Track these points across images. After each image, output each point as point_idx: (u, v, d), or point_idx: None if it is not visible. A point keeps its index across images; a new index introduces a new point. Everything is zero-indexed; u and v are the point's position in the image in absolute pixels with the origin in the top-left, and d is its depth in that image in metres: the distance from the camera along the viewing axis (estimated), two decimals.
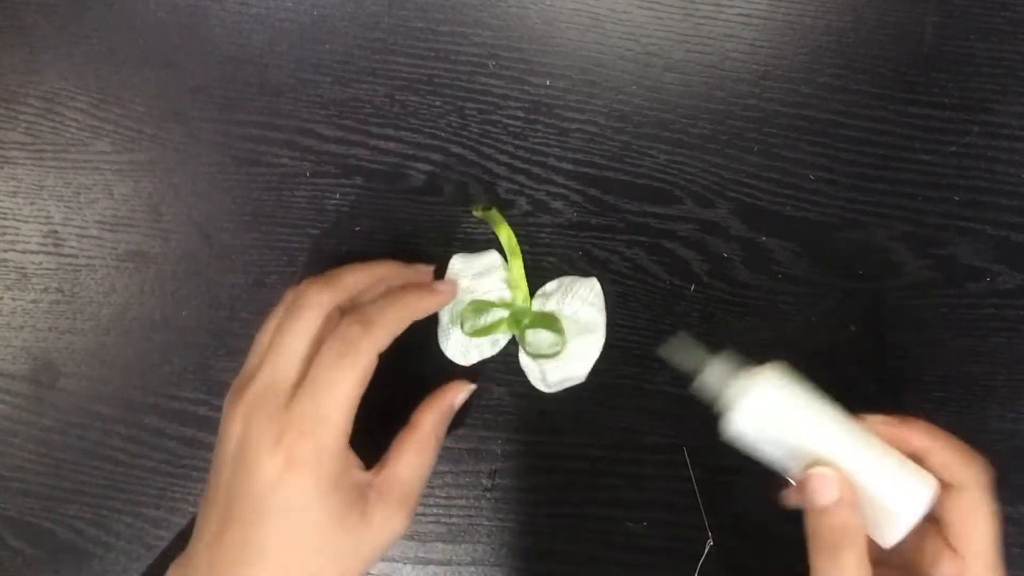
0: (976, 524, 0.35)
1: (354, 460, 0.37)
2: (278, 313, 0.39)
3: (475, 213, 0.44)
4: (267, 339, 0.38)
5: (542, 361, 0.43)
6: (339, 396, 0.36)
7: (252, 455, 0.35)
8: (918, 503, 0.33)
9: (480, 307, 0.43)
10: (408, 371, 0.45)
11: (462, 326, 0.43)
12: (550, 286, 0.44)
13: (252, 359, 0.39)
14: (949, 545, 0.35)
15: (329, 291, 0.38)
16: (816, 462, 0.34)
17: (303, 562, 0.35)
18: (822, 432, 0.35)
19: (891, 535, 0.34)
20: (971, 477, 0.35)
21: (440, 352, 0.44)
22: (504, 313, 0.43)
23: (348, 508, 0.35)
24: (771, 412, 0.35)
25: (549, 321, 0.43)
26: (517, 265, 0.43)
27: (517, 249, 0.44)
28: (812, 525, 0.35)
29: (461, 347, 0.43)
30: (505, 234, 0.44)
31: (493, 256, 0.44)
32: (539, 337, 0.44)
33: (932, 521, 0.36)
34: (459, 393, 0.41)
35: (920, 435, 0.36)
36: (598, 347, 0.44)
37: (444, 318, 0.44)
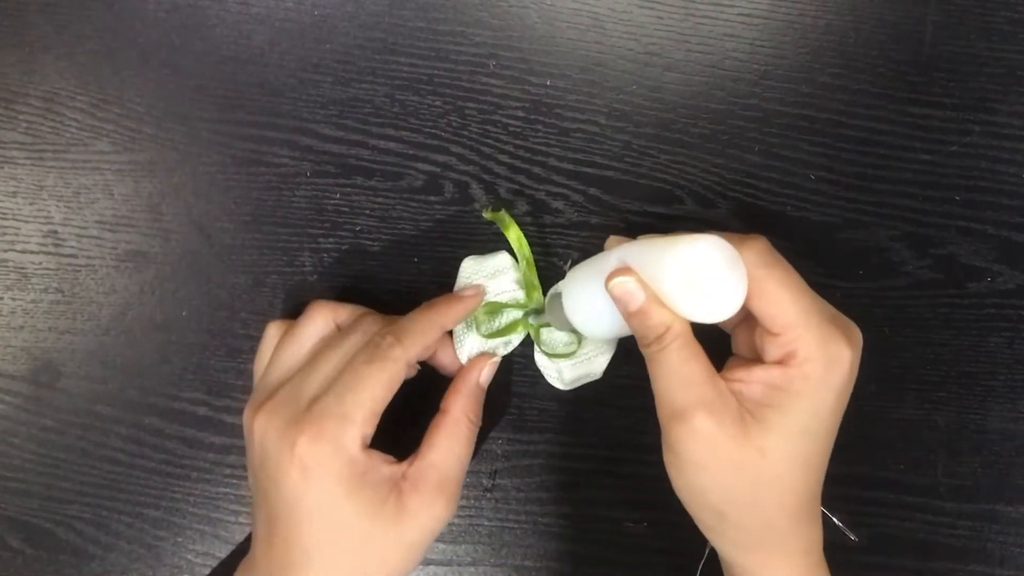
0: (767, 299, 0.34)
1: (380, 456, 0.37)
2: (299, 330, 0.40)
3: (485, 216, 0.44)
4: (289, 353, 0.39)
5: (558, 360, 0.43)
6: (363, 395, 0.36)
7: (272, 465, 0.36)
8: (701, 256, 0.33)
9: (494, 309, 0.43)
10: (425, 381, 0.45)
11: (477, 328, 0.43)
12: (562, 285, 0.44)
13: (274, 373, 0.39)
14: (767, 331, 0.35)
15: (381, 323, 0.39)
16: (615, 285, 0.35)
17: (346, 559, 0.35)
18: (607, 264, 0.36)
19: (706, 308, 0.33)
20: (752, 252, 0.35)
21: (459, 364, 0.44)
22: (518, 314, 0.43)
23: (380, 502, 0.36)
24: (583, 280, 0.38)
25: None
26: (529, 266, 0.43)
27: (528, 250, 0.44)
28: (636, 331, 0.35)
29: (476, 350, 0.43)
30: (515, 235, 0.44)
31: (504, 257, 0.44)
32: (554, 337, 0.44)
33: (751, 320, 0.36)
34: (483, 369, 0.41)
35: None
36: (613, 344, 0.44)
37: (459, 325, 0.43)
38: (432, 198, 0.46)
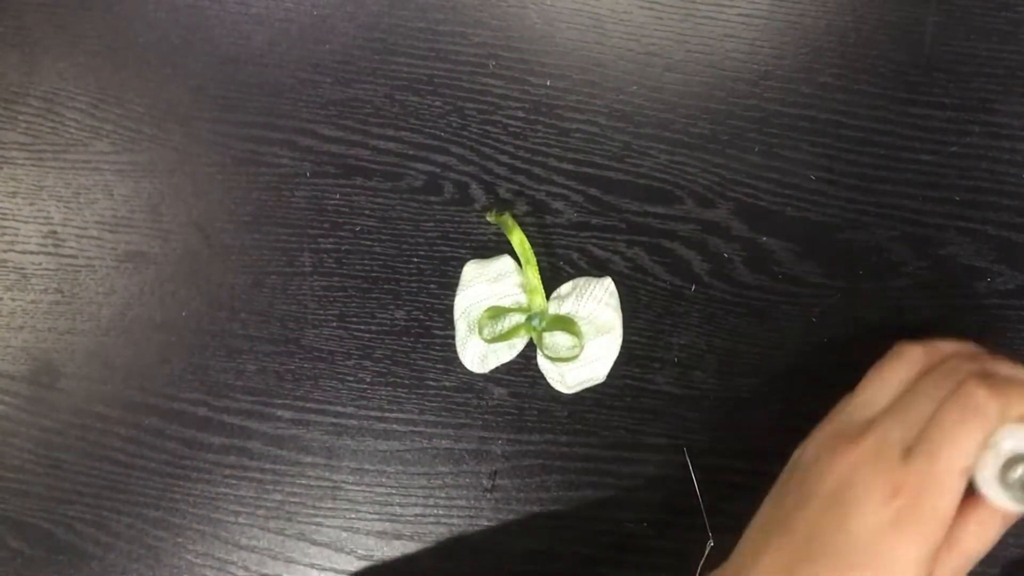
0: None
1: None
2: (885, 369, 0.38)
3: (488, 218, 0.44)
4: (872, 392, 0.38)
5: (560, 364, 0.43)
6: (955, 458, 0.34)
7: (859, 500, 0.34)
8: None
9: (497, 312, 0.43)
10: (428, 385, 0.45)
11: (480, 333, 0.43)
12: (564, 288, 0.44)
13: (857, 410, 0.38)
14: None
15: (971, 362, 0.37)
16: None
17: None
18: None
19: None
20: None
21: (459, 364, 0.44)
22: (521, 318, 0.43)
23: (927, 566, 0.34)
24: None
25: (566, 324, 0.43)
26: (532, 269, 0.43)
27: (531, 253, 0.43)
28: None
29: (479, 355, 0.43)
30: (518, 239, 0.43)
31: (506, 260, 0.44)
32: (556, 340, 0.44)
33: None
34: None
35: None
36: (616, 347, 0.44)
37: (462, 328, 0.43)
38: (432, 198, 0.46)
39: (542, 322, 0.43)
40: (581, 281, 0.44)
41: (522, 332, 0.43)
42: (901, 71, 0.45)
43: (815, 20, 0.46)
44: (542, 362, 0.44)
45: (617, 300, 0.44)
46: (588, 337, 0.43)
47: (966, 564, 0.36)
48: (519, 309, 0.43)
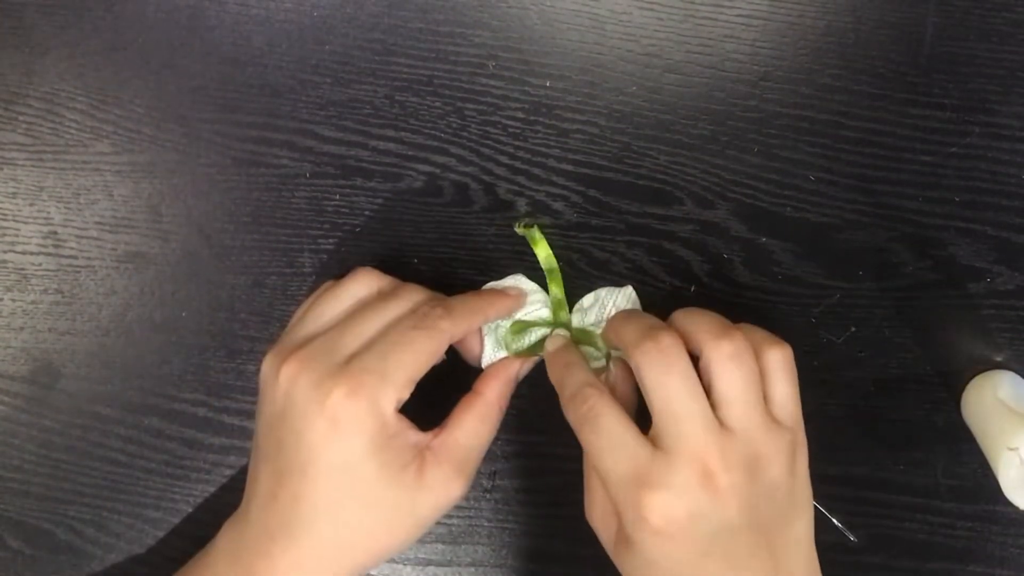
0: (645, 380, 0.36)
1: (408, 423, 0.36)
2: (341, 289, 0.39)
3: (517, 230, 0.44)
4: (327, 308, 0.39)
5: None
6: (406, 358, 0.36)
7: (298, 415, 0.35)
8: None
9: (522, 327, 0.43)
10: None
11: (508, 348, 0.42)
12: (587, 300, 0.44)
13: (308, 325, 0.38)
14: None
15: (426, 295, 0.40)
16: None
17: (356, 519, 0.35)
18: None
19: None
20: (639, 352, 0.36)
21: (459, 365, 0.44)
22: (546, 331, 0.43)
23: (402, 467, 0.35)
24: None
25: (589, 337, 0.43)
26: (557, 284, 0.43)
27: (557, 268, 0.43)
28: None
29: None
30: (544, 253, 0.43)
31: (521, 280, 0.44)
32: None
33: None
34: (525, 363, 0.41)
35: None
36: None
37: (488, 344, 0.43)
38: (432, 199, 0.46)
39: (576, 340, 0.43)
40: (603, 292, 0.44)
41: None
42: (901, 71, 0.45)
43: (815, 20, 0.46)
44: None
45: (639, 307, 0.44)
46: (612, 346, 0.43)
47: (465, 455, 0.37)
48: (544, 323, 0.43)
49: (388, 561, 0.45)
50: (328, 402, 0.34)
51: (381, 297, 0.39)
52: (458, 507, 0.45)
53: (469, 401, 0.39)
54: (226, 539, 0.37)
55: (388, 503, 0.35)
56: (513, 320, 0.43)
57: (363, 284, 0.40)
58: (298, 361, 0.36)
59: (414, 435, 0.37)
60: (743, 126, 0.45)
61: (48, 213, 0.46)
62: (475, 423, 0.38)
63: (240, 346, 0.46)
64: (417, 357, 0.36)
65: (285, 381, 0.36)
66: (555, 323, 0.43)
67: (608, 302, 0.43)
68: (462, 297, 0.40)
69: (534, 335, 0.43)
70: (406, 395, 0.36)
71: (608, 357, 0.42)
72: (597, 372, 0.41)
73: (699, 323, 0.36)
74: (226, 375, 0.46)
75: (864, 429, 0.45)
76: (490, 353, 0.42)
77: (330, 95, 0.46)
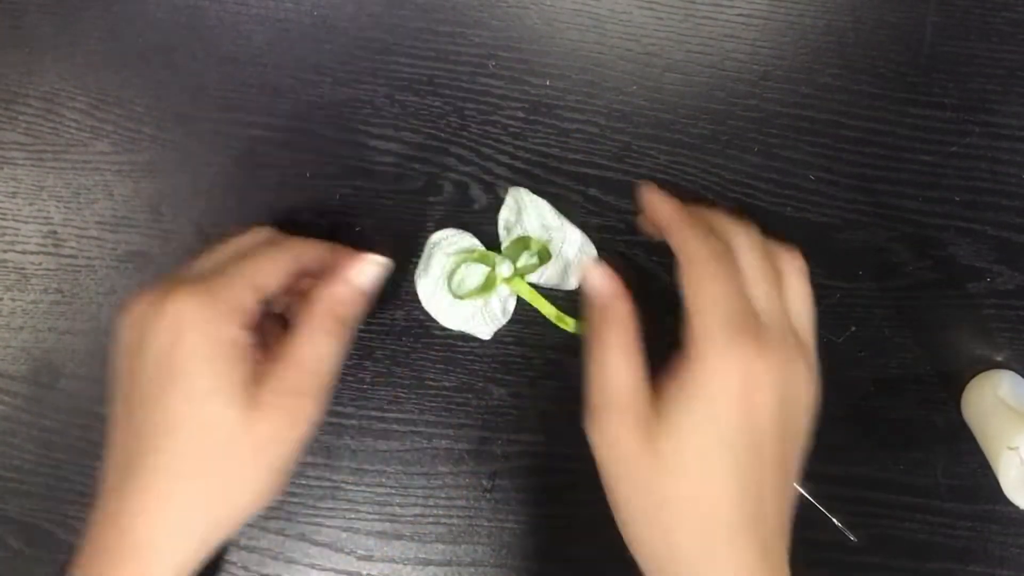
0: (695, 290, 0.33)
1: (252, 343, 0.34)
2: (224, 242, 0.38)
3: (570, 329, 0.44)
4: (202, 258, 0.37)
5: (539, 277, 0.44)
6: (247, 266, 0.34)
7: (145, 332, 0.33)
8: None
9: (460, 261, 0.43)
10: (428, 385, 0.45)
11: (449, 286, 0.42)
12: (504, 220, 0.44)
13: (188, 270, 0.37)
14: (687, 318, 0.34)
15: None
16: None
17: (196, 447, 0.32)
18: None
19: None
20: (692, 250, 0.34)
21: (459, 364, 0.45)
22: (485, 268, 0.43)
23: (241, 385, 0.32)
24: None
25: (526, 242, 0.43)
26: (542, 304, 0.44)
27: (554, 312, 0.44)
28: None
29: (464, 315, 0.43)
30: (531, 300, 0.44)
31: (517, 193, 0.44)
32: (528, 262, 0.43)
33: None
34: (360, 265, 0.36)
35: (661, 211, 0.37)
36: (577, 245, 0.44)
37: (423, 286, 0.43)
38: (432, 199, 0.46)
39: (510, 258, 0.43)
40: (506, 212, 0.44)
41: (499, 282, 0.43)
42: (901, 71, 0.45)
43: (815, 20, 0.46)
44: (542, 306, 0.44)
45: (546, 204, 0.44)
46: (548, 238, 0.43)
47: (310, 370, 0.34)
48: (479, 256, 0.43)
49: (388, 560, 0.45)
50: (169, 306, 0.32)
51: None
52: (458, 507, 0.45)
53: (310, 310, 0.35)
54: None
55: (225, 424, 0.32)
56: (451, 254, 0.43)
57: (249, 237, 0.38)
58: (143, 289, 0.34)
59: (254, 354, 0.34)
60: (743, 125, 0.45)
61: (48, 212, 0.46)
62: (318, 334, 0.34)
63: None
64: (259, 266, 0.34)
65: (134, 308, 0.34)
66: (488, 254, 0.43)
67: (523, 209, 0.43)
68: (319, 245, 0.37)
69: (472, 278, 0.43)
70: (251, 306, 0.34)
71: (541, 255, 0.42)
72: (530, 270, 0.42)
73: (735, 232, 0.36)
74: None
75: (864, 429, 0.45)
76: (428, 295, 0.43)
77: (330, 94, 0.46)
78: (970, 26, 0.45)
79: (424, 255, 0.44)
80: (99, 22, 0.46)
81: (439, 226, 0.46)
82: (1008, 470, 0.37)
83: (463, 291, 0.43)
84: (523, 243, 0.43)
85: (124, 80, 0.46)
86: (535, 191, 0.45)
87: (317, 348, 0.34)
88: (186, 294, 0.33)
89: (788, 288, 0.36)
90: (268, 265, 0.35)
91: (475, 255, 0.43)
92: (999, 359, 0.45)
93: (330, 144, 0.46)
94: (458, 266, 0.43)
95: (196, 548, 0.33)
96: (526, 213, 0.43)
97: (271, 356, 0.34)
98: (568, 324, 0.43)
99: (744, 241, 0.35)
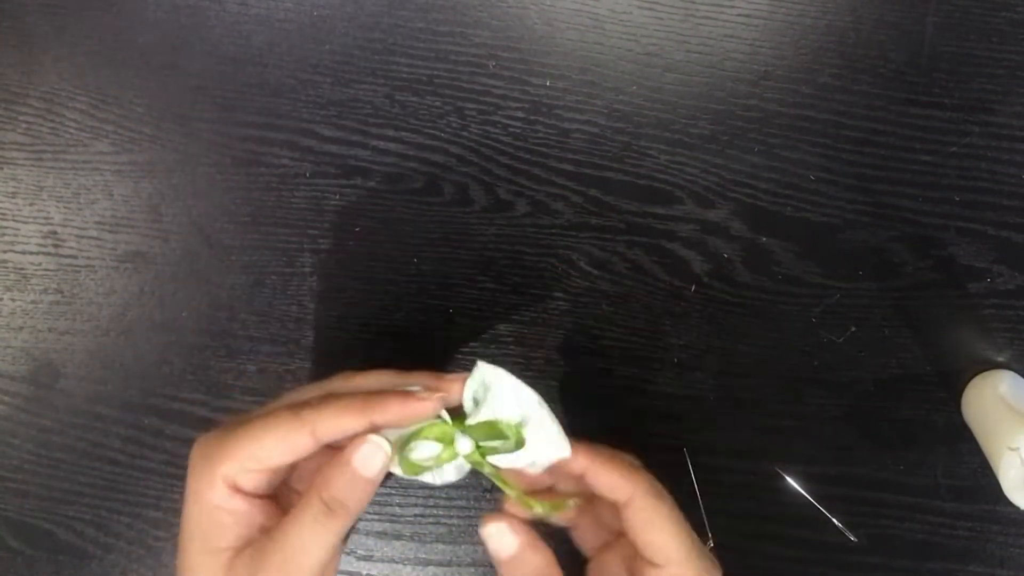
0: (657, 531, 0.33)
1: (250, 505, 0.32)
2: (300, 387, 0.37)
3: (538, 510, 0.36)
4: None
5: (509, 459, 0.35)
6: (256, 431, 0.32)
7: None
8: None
9: (412, 438, 0.34)
10: None
11: (398, 460, 0.34)
12: (473, 388, 0.35)
13: None
14: (647, 560, 0.33)
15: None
16: None
17: None
18: None
19: None
20: (634, 489, 0.33)
21: (460, 365, 0.44)
22: (438, 448, 0.34)
23: (216, 549, 0.32)
24: None
25: (495, 428, 0.35)
26: (512, 489, 0.35)
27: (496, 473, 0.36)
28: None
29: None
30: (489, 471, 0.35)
31: (483, 369, 0.35)
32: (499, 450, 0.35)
33: (628, 543, 0.34)
34: (359, 449, 0.32)
35: (579, 458, 0.34)
36: (546, 419, 0.35)
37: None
38: (432, 199, 0.46)
39: (474, 438, 0.35)
40: (484, 373, 0.35)
41: (456, 458, 0.35)
42: (901, 71, 0.45)
43: (815, 20, 0.46)
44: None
45: (515, 381, 0.35)
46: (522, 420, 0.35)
47: (287, 566, 0.31)
48: (439, 428, 0.34)
49: (388, 560, 0.45)
50: (191, 453, 0.33)
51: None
52: (458, 507, 0.45)
53: (307, 493, 0.32)
54: None
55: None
56: (406, 431, 0.34)
57: (316, 387, 0.35)
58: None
59: (248, 518, 0.32)
60: (743, 125, 0.45)
61: (48, 213, 0.46)
62: (295, 526, 0.31)
63: (240, 346, 0.46)
64: (267, 434, 0.32)
65: None
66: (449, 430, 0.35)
67: (492, 384, 0.35)
68: (347, 401, 0.33)
69: (426, 450, 0.34)
70: (246, 470, 0.32)
71: (517, 441, 0.34)
72: (494, 452, 0.35)
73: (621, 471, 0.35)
74: (226, 375, 0.46)
75: (864, 429, 0.45)
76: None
77: (330, 94, 0.46)
78: (970, 26, 0.45)
79: None
80: (99, 22, 0.46)
81: (439, 226, 0.46)
82: (1008, 470, 0.37)
83: (413, 461, 0.34)
84: (491, 427, 0.35)
85: (124, 80, 0.46)
86: (535, 190, 0.45)
87: (302, 537, 0.31)
88: (197, 450, 0.33)
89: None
90: (270, 441, 0.32)
91: (433, 430, 0.34)
92: (999, 359, 0.45)
93: (330, 144, 0.46)
94: (412, 437, 0.34)
95: None
96: (498, 390, 0.35)
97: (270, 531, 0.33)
98: (533, 505, 0.35)
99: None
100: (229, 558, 0.32)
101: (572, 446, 0.34)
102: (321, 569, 0.32)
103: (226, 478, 0.32)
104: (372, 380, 0.35)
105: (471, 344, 0.45)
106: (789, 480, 0.45)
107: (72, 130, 0.46)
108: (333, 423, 0.32)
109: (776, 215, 0.45)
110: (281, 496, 0.35)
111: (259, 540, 0.32)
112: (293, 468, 0.35)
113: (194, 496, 0.33)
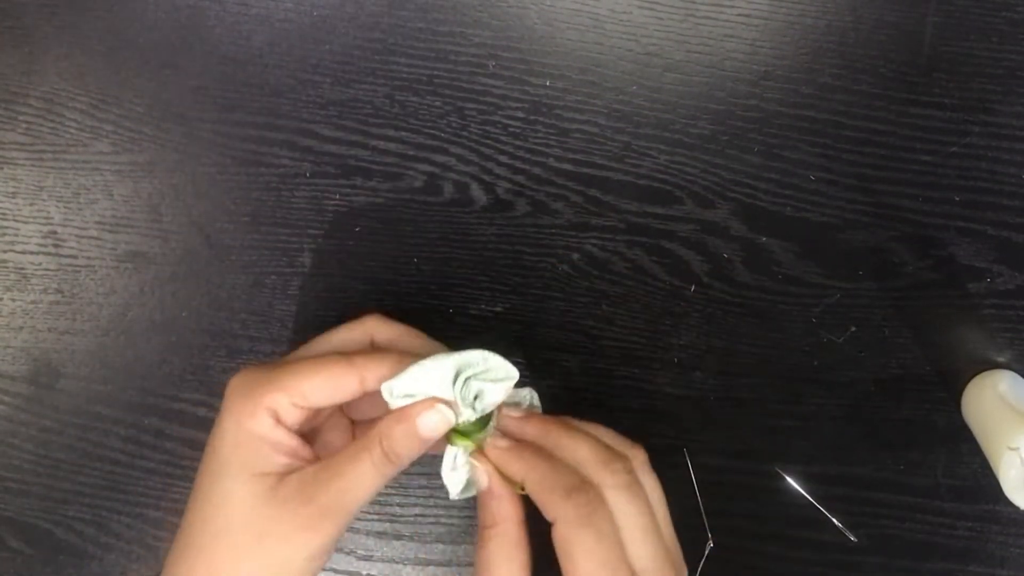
0: (570, 562, 0.32)
1: (292, 439, 0.34)
2: (335, 330, 0.38)
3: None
4: (307, 346, 0.38)
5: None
6: (305, 368, 0.34)
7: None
8: None
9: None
10: None
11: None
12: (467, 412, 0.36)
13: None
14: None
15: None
16: None
17: (215, 525, 0.33)
18: None
19: None
20: (556, 515, 0.33)
21: None
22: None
23: (260, 474, 0.33)
24: None
25: (478, 426, 0.37)
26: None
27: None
28: None
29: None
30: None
31: (490, 358, 0.37)
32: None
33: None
34: (426, 413, 0.34)
35: (528, 427, 0.36)
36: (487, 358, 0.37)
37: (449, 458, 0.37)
38: (432, 199, 0.46)
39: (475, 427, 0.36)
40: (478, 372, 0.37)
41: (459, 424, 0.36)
42: (901, 71, 0.45)
43: (815, 20, 0.46)
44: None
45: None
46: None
47: (339, 499, 0.33)
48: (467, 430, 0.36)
49: (388, 560, 0.45)
50: (227, 386, 0.34)
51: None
52: (459, 507, 0.45)
53: (368, 435, 0.34)
54: None
55: (240, 507, 0.33)
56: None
57: (358, 330, 0.38)
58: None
59: (289, 448, 0.34)
60: (743, 125, 0.45)
61: (48, 213, 0.46)
62: (365, 461, 0.33)
63: (240, 345, 0.46)
64: (318, 374, 0.33)
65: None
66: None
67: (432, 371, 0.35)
68: (403, 355, 0.35)
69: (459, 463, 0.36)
70: (292, 404, 0.33)
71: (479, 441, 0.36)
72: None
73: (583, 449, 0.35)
74: (226, 374, 0.46)
75: (864, 429, 0.45)
76: (449, 464, 0.36)
77: (330, 94, 0.46)
78: (970, 26, 0.45)
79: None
80: (99, 22, 0.46)
81: (439, 226, 0.46)
82: (1008, 470, 0.37)
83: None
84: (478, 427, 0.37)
85: (124, 80, 0.46)
86: (535, 190, 0.45)
87: (359, 471, 0.33)
88: (238, 381, 0.35)
89: (650, 493, 0.35)
90: (319, 380, 0.34)
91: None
92: (999, 359, 0.45)
93: (330, 144, 0.46)
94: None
95: None
96: (435, 374, 0.35)
97: (317, 460, 0.34)
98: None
99: (608, 478, 0.34)
100: (274, 482, 0.33)
101: (534, 417, 0.37)
102: (356, 511, 0.34)
103: (269, 409, 0.33)
104: (413, 341, 0.38)
105: (471, 344, 0.45)
106: (789, 480, 0.45)
107: (72, 130, 0.46)
108: (382, 376, 0.34)
109: (776, 215, 0.45)
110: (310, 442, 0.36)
111: (308, 469, 0.33)
112: (326, 417, 0.38)
113: (234, 424, 0.34)
